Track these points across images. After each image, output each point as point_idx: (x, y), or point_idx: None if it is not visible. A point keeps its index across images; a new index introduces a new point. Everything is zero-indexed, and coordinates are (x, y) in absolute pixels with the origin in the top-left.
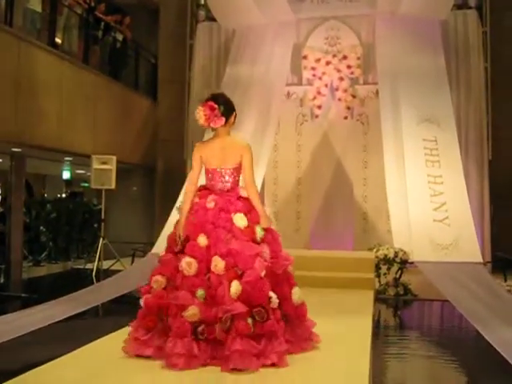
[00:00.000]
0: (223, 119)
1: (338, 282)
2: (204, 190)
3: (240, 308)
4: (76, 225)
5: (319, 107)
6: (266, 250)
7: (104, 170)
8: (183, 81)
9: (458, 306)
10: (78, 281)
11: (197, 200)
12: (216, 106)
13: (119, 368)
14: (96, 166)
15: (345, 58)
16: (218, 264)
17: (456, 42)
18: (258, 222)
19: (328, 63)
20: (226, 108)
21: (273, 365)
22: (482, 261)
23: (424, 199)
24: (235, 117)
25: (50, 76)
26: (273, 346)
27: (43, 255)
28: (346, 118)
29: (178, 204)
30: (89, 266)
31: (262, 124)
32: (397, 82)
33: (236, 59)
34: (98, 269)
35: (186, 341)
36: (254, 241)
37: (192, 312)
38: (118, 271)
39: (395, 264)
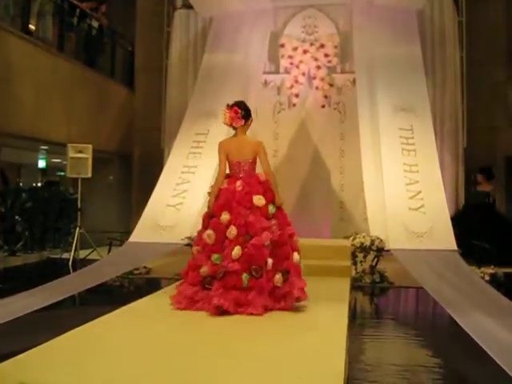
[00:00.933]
0: (243, 121)
1: (315, 269)
2: (231, 178)
3: (234, 267)
4: (52, 214)
5: (296, 96)
6: (274, 223)
7: (80, 158)
8: (160, 68)
9: (432, 293)
10: (54, 271)
11: (225, 186)
12: (239, 110)
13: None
14: (72, 154)
15: (322, 46)
16: (232, 231)
17: (432, 32)
18: (271, 201)
19: (305, 52)
20: (246, 113)
21: (251, 314)
22: (456, 248)
23: (400, 188)
24: (251, 121)
25: (24, 63)
26: (259, 300)
27: (19, 245)
28: (323, 106)
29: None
30: (65, 255)
31: None
32: (373, 71)
33: (213, 47)
34: (74, 258)
35: (195, 289)
36: (267, 217)
37: (203, 269)
38: (95, 260)
39: (371, 252)
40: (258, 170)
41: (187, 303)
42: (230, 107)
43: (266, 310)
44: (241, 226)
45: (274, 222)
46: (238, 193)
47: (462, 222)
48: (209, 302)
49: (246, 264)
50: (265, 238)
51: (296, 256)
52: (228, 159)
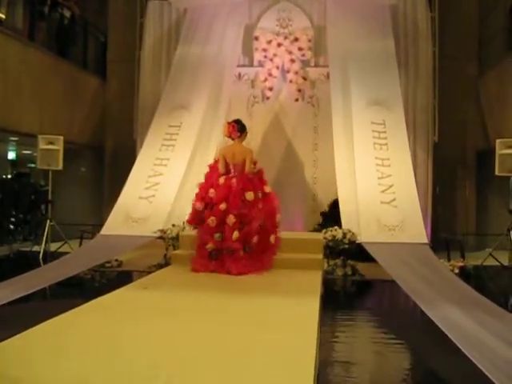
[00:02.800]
0: (239, 134)
1: (288, 262)
2: (227, 176)
3: (235, 246)
4: (22, 206)
5: (270, 89)
6: (261, 207)
7: (50, 150)
8: (133, 60)
9: (403, 286)
10: (24, 264)
11: (222, 181)
12: (236, 125)
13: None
14: (42, 146)
15: (296, 40)
16: (230, 220)
17: (405, 27)
18: (259, 190)
19: (279, 45)
20: (242, 128)
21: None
22: (427, 242)
23: (372, 181)
24: (246, 134)
25: None
26: (251, 265)
27: None
28: (296, 100)
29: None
30: (36, 248)
31: (212, 105)
32: (347, 65)
33: (187, 39)
34: (45, 251)
35: (204, 260)
36: (255, 207)
37: (209, 246)
38: (66, 253)
39: (343, 245)
40: None
41: (202, 267)
42: (229, 123)
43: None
44: (237, 214)
45: (260, 205)
46: (234, 188)
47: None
48: (221, 266)
49: (242, 243)
50: (254, 224)
51: (272, 238)
52: (226, 161)
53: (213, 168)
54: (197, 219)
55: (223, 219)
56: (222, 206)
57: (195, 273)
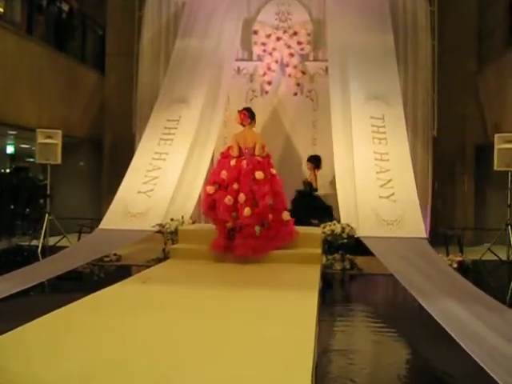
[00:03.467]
0: (249, 120)
1: (286, 256)
2: (238, 158)
3: (246, 221)
4: (21, 201)
5: (269, 83)
6: (267, 187)
7: (49, 144)
8: (131, 53)
9: (401, 280)
10: (23, 258)
11: (234, 164)
12: (247, 113)
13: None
14: (41, 140)
15: (295, 34)
16: (242, 198)
17: (404, 21)
18: (266, 172)
19: (278, 39)
20: (252, 115)
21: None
22: (425, 236)
23: (371, 176)
24: (255, 121)
25: None
26: (269, 243)
27: None
28: (295, 94)
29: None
30: (34, 242)
31: (211, 99)
32: (346, 59)
33: (185, 32)
34: (43, 245)
35: (224, 240)
36: (264, 185)
37: (228, 224)
38: (65, 247)
39: (342, 239)
40: None
41: (221, 250)
42: (240, 111)
43: (272, 250)
44: (247, 192)
45: (268, 186)
46: (244, 169)
47: (293, 208)
48: (233, 251)
49: (258, 219)
50: (267, 200)
51: (285, 214)
52: (238, 145)
53: (224, 154)
54: (209, 202)
55: (237, 198)
56: (235, 186)
57: (214, 252)
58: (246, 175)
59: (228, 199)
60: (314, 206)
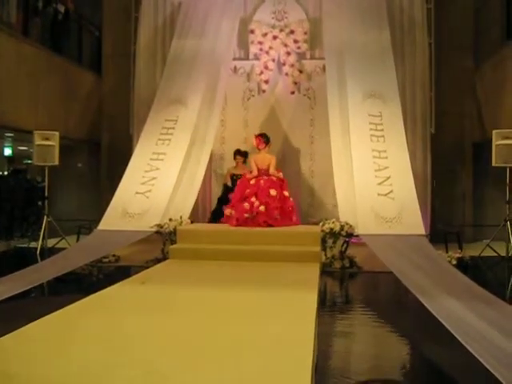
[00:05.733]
0: (264, 145)
1: (285, 255)
2: (257, 177)
3: (261, 210)
4: (19, 202)
5: (266, 82)
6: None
7: (47, 146)
8: (128, 54)
9: (401, 278)
10: (22, 260)
11: (253, 182)
12: (262, 138)
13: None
14: (38, 142)
15: (292, 32)
16: (256, 203)
17: (401, 18)
18: (277, 190)
19: (275, 38)
20: (266, 140)
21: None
22: (424, 233)
23: (369, 174)
24: (270, 145)
25: None
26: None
27: None
28: (292, 92)
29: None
30: (33, 244)
31: (208, 99)
32: (343, 57)
33: (182, 32)
34: (42, 247)
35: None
36: (275, 200)
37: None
38: (63, 249)
39: (341, 237)
40: None
41: (239, 222)
42: (256, 136)
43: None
44: (262, 202)
45: (277, 202)
46: (262, 187)
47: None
48: (254, 220)
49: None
50: (275, 214)
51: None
52: (256, 166)
53: (242, 179)
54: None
55: (253, 206)
56: (253, 199)
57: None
58: (262, 190)
59: (246, 204)
60: None
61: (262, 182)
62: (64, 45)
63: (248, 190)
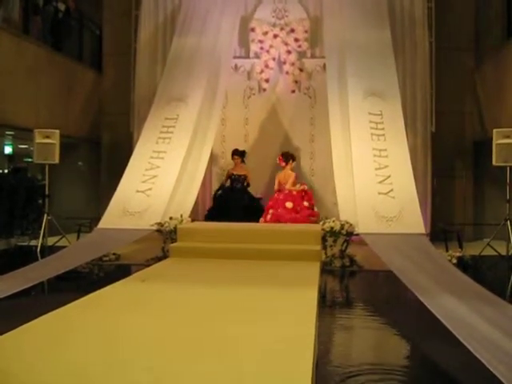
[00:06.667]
0: (284, 163)
1: (286, 254)
2: (279, 191)
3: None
4: (19, 201)
5: (267, 80)
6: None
7: (47, 144)
8: (129, 52)
9: (401, 276)
10: (22, 258)
11: (275, 196)
12: (282, 157)
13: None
14: (39, 140)
15: (292, 31)
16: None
17: (402, 17)
18: (295, 202)
19: (275, 36)
20: (286, 159)
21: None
22: (424, 232)
23: (369, 172)
24: (291, 162)
25: None
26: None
27: None
28: (293, 91)
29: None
30: (33, 242)
31: (209, 97)
32: (343, 56)
33: (182, 31)
34: (42, 245)
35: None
36: (291, 212)
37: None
38: (64, 247)
39: (341, 236)
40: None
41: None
42: (279, 156)
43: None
44: (275, 215)
45: (293, 214)
46: (280, 200)
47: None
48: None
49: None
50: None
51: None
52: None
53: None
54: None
55: (265, 219)
56: (271, 212)
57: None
58: (280, 204)
59: (269, 214)
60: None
61: (281, 196)
62: (64, 43)
63: (270, 203)
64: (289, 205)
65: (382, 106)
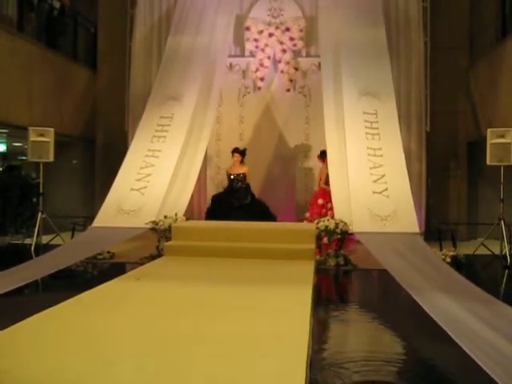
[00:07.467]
0: (321, 161)
1: (280, 252)
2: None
3: None
4: (13, 199)
5: (262, 79)
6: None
7: (41, 142)
8: (124, 51)
9: (395, 275)
10: (16, 256)
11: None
12: (320, 155)
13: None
14: (33, 138)
15: (287, 30)
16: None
17: (397, 17)
18: (326, 199)
19: (271, 35)
20: (322, 156)
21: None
22: (419, 231)
23: (364, 171)
24: (326, 160)
25: None
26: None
27: None
28: (288, 90)
29: None
30: (27, 241)
31: (204, 96)
32: (338, 55)
33: (178, 29)
34: (37, 244)
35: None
36: (322, 208)
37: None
38: (58, 246)
39: (336, 235)
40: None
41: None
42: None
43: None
44: (308, 210)
45: (324, 210)
46: (314, 196)
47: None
48: None
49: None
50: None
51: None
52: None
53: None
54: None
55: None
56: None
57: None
58: (314, 200)
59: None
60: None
61: (317, 192)
62: (59, 41)
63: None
64: (320, 201)
65: (377, 105)
